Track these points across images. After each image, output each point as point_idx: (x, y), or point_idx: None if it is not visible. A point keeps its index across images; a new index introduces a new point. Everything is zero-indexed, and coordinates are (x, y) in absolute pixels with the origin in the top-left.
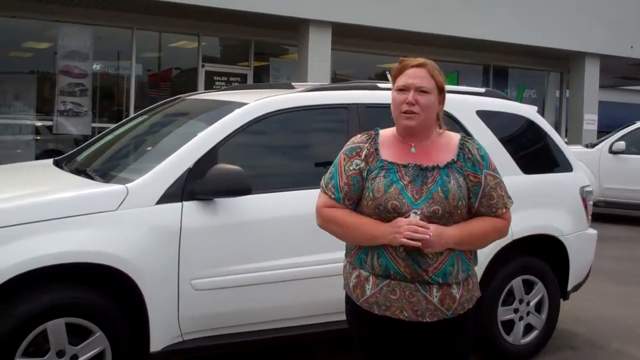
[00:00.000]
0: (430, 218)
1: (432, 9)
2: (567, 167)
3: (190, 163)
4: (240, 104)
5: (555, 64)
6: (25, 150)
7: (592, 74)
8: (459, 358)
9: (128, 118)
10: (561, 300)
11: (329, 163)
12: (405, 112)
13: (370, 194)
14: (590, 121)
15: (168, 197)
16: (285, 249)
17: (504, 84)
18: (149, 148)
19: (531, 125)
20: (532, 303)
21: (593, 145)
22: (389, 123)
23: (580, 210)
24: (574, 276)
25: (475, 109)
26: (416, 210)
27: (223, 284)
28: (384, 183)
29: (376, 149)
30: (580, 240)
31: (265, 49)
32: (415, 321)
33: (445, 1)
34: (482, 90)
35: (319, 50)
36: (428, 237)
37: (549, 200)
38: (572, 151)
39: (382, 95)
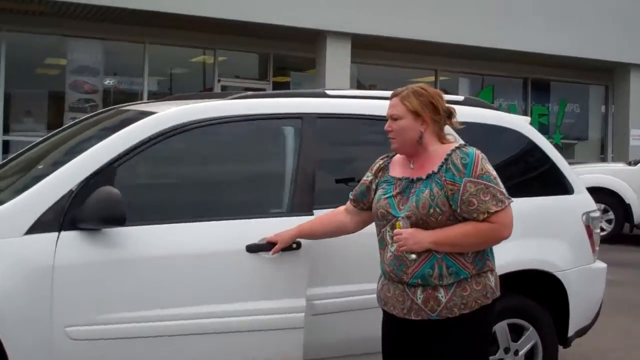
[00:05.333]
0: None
1: (463, 19)
2: (566, 189)
3: (72, 184)
4: (150, 114)
5: (599, 77)
6: None
7: (637, 86)
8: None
9: (52, 132)
10: (561, 347)
11: (260, 188)
12: (390, 138)
13: (373, 204)
14: (637, 136)
15: (41, 225)
16: (187, 296)
17: (545, 98)
18: (41, 166)
19: (521, 139)
20: (522, 353)
21: (636, 163)
22: (339, 134)
23: (583, 240)
24: (577, 319)
25: None
26: (403, 216)
27: (105, 334)
28: (379, 194)
29: (386, 165)
30: (584, 276)
31: (287, 64)
32: (402, 318)
33: (477, 11)
34: (461, 98)
35: (338, 63)
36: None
37: (541, 228)
38: (612, 169)
39: (332, 103)
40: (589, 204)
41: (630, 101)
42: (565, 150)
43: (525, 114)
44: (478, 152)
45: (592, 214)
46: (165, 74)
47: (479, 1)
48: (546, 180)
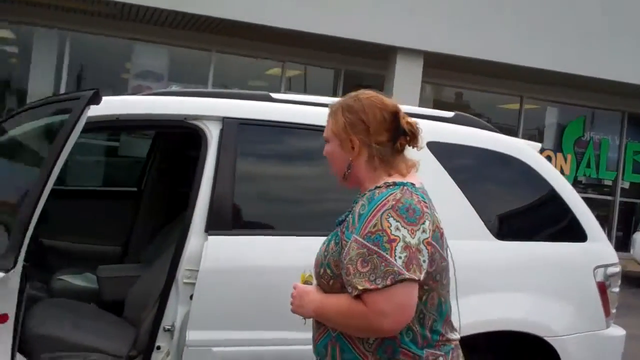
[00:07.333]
0: None
1: (553, 43)
2: (577, 235)
3: None
4: None
5: None
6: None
7: None
8: None
9: None
10: None
11: None
12: None
13: None
14: None
15: None
16: None
17: None
18: None
19: (523, 169)
20: None
21: None
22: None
23: (594, 299)
24: None
25: (427, 140)
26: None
27: None
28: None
29: None
30: (589, 345)
31: (359, 81)
32: None
33: (571, 36)
34: (450, 114)
35: (408, 81)
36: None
37: (536, 281)
38: None
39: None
40: (607, 255)
41: None
42: None
43: (619, 150)
44: (390, 197)
45: (610, 269)
46: (231, 84)
47: (574, 26)
48: (552, 222)
